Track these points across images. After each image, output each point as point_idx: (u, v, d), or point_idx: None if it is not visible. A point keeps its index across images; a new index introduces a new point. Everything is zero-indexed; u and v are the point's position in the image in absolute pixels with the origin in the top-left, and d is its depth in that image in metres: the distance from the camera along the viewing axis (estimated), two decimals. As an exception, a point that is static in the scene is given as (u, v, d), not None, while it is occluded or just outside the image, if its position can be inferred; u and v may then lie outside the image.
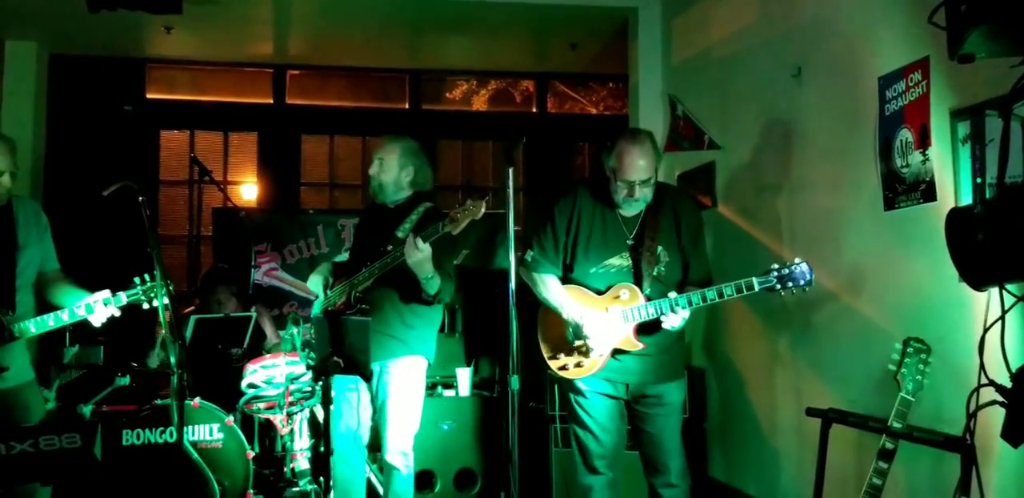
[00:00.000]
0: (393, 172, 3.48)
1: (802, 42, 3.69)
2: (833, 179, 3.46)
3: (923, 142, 2.87)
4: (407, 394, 3.42)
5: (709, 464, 4.49)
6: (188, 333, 3.69)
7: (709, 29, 4.72)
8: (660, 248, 3.05)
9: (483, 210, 3.03)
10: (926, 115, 2.85)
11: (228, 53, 6.94)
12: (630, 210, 3.09)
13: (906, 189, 2.96)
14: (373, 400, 3.44)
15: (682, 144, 4.69)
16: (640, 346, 3.00)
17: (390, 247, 3.33)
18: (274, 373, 4.32)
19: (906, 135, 2.96)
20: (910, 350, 2.63)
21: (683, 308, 2.89)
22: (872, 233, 3.18)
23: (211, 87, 7.34)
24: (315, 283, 3.56)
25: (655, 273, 3.03)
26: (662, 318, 2.91)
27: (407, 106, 7.58)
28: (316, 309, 3.62)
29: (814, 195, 3.61)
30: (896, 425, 2.58)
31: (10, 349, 3.00)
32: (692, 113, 4.69)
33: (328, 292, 3.53)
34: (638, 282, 3.02)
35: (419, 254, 3.10)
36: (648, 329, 3.00)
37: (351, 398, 3.43)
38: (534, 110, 7.80)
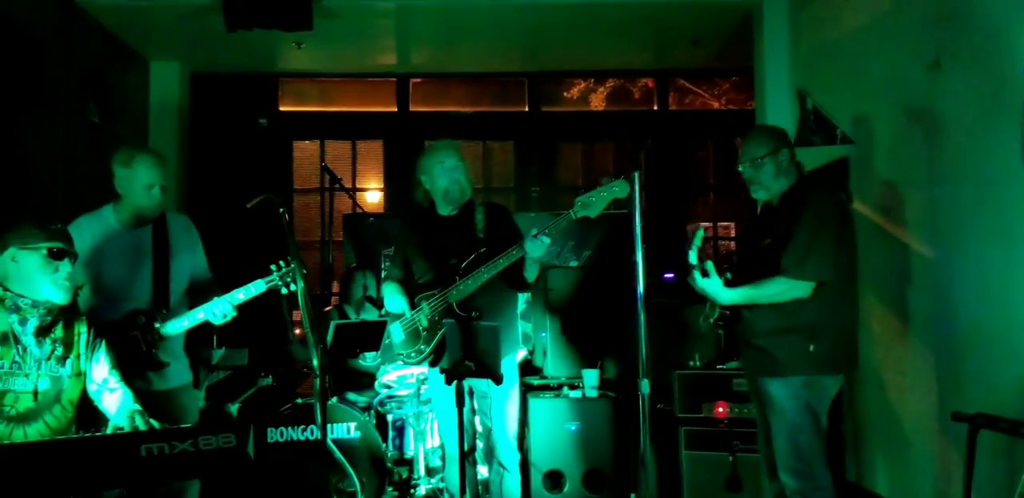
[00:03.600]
0: (467, 172, 3.62)
1: (940, 31, 3.53)
2: (977, 172, 3.29)
3: (1077, 132, 2.70)
4: (517, 394, 3.57)
5: (845, 468, 4.36)
6: (328, 337, 3.86)
7: (839, 20, 4.56)
8: (768, 240, 3.12)
9: (628, 189, 3.05)
10: (1079, 103, 2.68)
11: (354, 65, 7.17)
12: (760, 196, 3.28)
13: (1059, 182, 2.79)
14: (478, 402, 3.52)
15: (813, 139, 4.55)
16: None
17: (483, 249, 3.41)
18: (407, 373, 4.46)
19: (1058, 125, 2.79)
20: (1068, 353, 2.48)
21: None
22: (1021, 228, 3.02)
23: (339, 98, 7.61)
24: (398, 304, 3.60)
25: (757, 261, 3.13)
26: None
27: (527, 108, 7.64)
28: (397, 332, 3.62)
29: (957, 189, 3.44)
30: (1053, 432, 2.44)
31: (170, 351, 3.20)
32: (823, 107, 4.55)
33: (410, 311, 3.57)
34: (733, 266, 3.22)
35: (544, 247, 3.27)
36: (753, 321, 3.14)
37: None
38: (655, 107, 7.71)
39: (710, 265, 2.97)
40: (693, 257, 2.98)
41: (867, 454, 4.23)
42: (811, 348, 3.01)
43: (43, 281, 2.62)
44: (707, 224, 7.87)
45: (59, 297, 2.66)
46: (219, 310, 3.08)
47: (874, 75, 4.15)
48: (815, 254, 2.97)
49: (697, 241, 3.03)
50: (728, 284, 3.05)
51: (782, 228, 3.06)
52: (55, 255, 2.63)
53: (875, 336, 4.12)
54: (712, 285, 3.01)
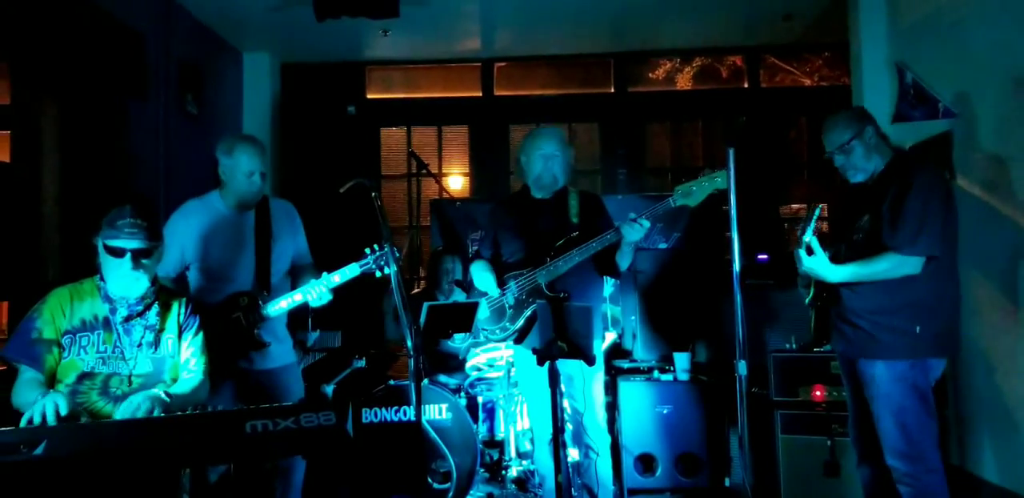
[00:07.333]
0: (567, 161, 3.59)
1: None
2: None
3: None
4: (603, 378, 3.54)
5: (949, 452, 4.20)
6: (421, 319, 3.90)
7: (940, -12, 4.37)
8: (866, 217, 3.02)
9: (727, 182, 3.01)
10: None
11: (439, 51, 7.21)
12: (858, 180, 3.15)
13: None
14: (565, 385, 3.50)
15: (912, 114, 4.38)
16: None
17: (575, 233, 3.40)
18: (497, 356, 4.49)
19: None
20: None
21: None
22: None
23: (424, 84, 7.66)
24: (487, 282, 3.63)
25: (855, 238, 3.04)
26: None
27: (612, 90, 7.56)
28: (483, 308, 3.66)
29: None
30: None
31: (272, 332, 3.28)
32: (923, 80, 4.36)
33: (502, 289, 3.59)
34: (830, 245, 3.02)
35: (643, 231, 3.23)
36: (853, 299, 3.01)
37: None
38: (745, 85, 7.52)
39: (815, 242, 2.87)
40: (809, 234, 2.87)
41: (973, 439, 4.08)
42: (917, 329, 2.92)
43: (113, 275, 2.63)
44: (802, 205, 7.68)
45: (129, 291, 2.65)
46: (316, 292, 3.14)
47: (978, 45, 3.97)
48: (927, 229, 2.88)
49: (814, 218, 2.93)
50: (832, 262, 2.96)
51: (884, 206, 2.95)
52: (113, 252, 2.60)
53: (983, 318, 3.95)
54: (818, 263, 2.93)
